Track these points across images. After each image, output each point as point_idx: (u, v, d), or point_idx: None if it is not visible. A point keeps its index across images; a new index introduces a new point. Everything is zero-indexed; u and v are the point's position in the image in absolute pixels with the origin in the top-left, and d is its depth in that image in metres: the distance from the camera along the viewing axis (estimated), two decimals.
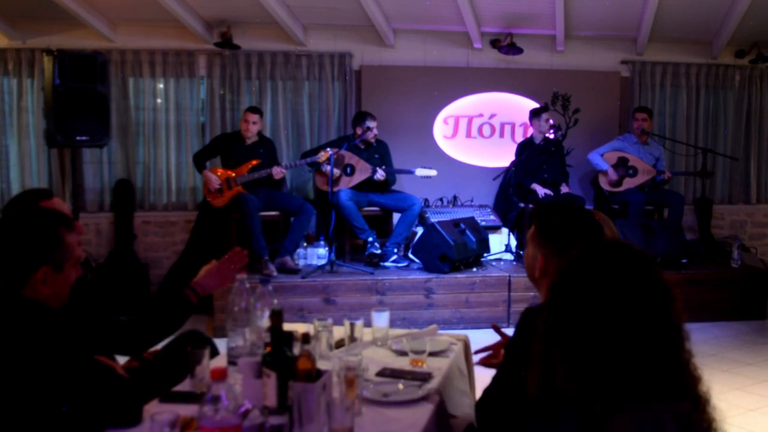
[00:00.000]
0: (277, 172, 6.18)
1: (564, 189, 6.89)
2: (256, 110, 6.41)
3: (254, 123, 6.30)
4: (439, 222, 6.09)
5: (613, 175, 6.88)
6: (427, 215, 6.62)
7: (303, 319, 5.34)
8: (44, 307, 2.04)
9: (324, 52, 7.12)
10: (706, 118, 7.79)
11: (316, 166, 6.39)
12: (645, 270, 1.47)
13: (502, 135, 7.50)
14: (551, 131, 6.86)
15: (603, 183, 7.01)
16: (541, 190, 6.71)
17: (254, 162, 6.20)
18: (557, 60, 7.51)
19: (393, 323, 3.07)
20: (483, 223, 6.69)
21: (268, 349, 2.01)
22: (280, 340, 2.00)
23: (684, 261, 6.44)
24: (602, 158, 6.95)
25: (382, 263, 6.21)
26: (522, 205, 6.80)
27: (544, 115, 6.82)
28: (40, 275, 2.03)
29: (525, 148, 6.90)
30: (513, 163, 6.85)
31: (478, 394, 3.02)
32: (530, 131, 7.16)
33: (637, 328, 1.39)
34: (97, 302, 5.45)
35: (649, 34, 7.18)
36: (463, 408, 2.46)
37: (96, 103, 5.85)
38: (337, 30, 7.16)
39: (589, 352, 1.39)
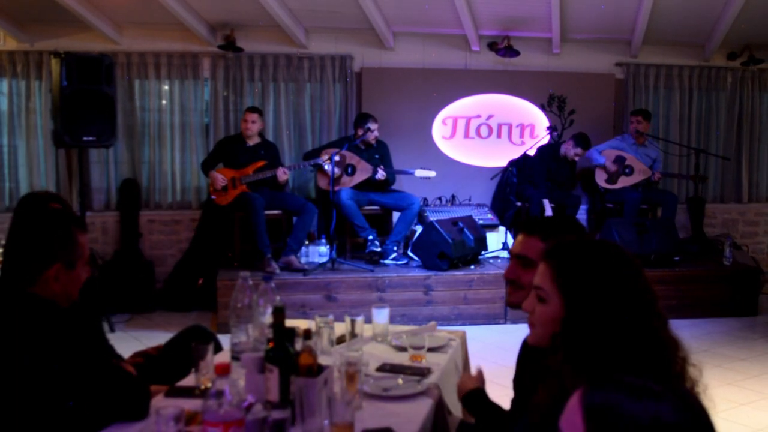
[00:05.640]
0: (282, 173, 6.24)
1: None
2: (254, 109, 6.49)
3: (253, 122, 6.36)
4: (437, 221, 6.17)
5: (611, 167, 6.98)
6: (426, 214, 6.69)
7: (305, 316, 5.41)
8: (53, 305, 2.04)
9: (325, 55, 7.20)
10: (699, 119, 7.86)
11: (319, 167, 6.51)
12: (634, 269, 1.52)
13: (499, 135, 7.57)
14: (575, 158, 6.98)
15: (599, 179, 7.09)
16: (547, 208, 6.75)
17: (260, 163, 6.30)
18: (553, 62, 7.58)
19: (393, 319, 3.06)
20: (481, 222, 6.76)
21: (271, 344, 2.03)
22: (282, 336, 2.02)
23: (677, 259, 6.53)
24: (600, 154, 7.06)
25: (382, 261, 6.28)
26: (519, 204, 6.90)
27: (579, 150, 6.91)
28: (53, 272, 2.03)
29: (547, 154, 7.02)
30: (511, 162, 6.96)
31: None
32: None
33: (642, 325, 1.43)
34: (103, 299, 5.57)
35: (643, 36, 7.24)
36: (454, 405, 2.48)
37: (102, 105, 5.87)
38: (338, 33, 7.24)
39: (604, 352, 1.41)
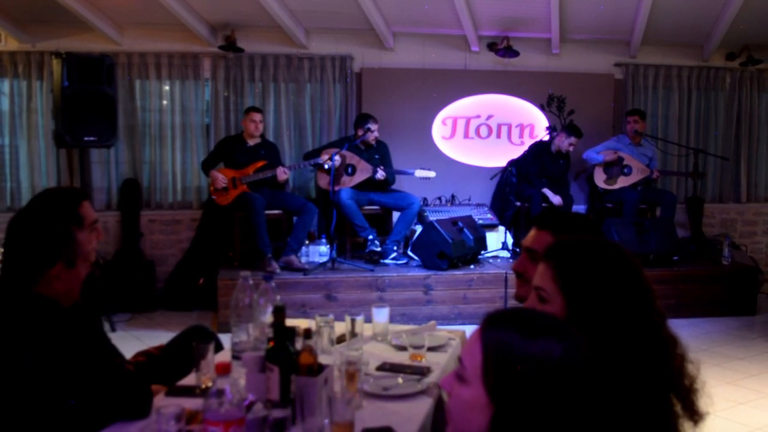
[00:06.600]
0: (281, 173, 6.26)
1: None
2: (259, 109, 6.53)
3: (260, 122, 6.42)
4: (437, 220, 6.19)
5: (612, 157, 6.99)
6: (425, 214, 6.71)
7: (305, 315, 5.44)
8: (56, 304, 2.04)
9: (325, 55, 7.22)
10: (698, 120, 7.87)
11: (319, 166, 6.53)
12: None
13: (498, 136, 7.58)
14: (570, 148, 7.00)
15: (598, 180, 7.11)
16: (553, 197, 6.77)
17: (260, 163, 6.32)
18: (552, 62, 7.59)
19: (392, 319, 3.06)
20: (480, 222, 6.79)
21: (271, 344, 2.04)
22: (282, 335, 2.02)
23: (676, 258, 6.55)
24: (598, 154, 7.07)
25: (382, 260, 6.30)
26: (518, 203, 6.92)
27: (573, 138, 6.94)
28: (55, 271, 2.05)
29: (539, 150, 7.03)
30: (510, 162, 6.97)
31: None
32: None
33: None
34: (104, 299, 5.56)
35: (642, 37, 7.25)
36: None
37: (103, 105, 5.91)
38: (338, 33, 7.25)
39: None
